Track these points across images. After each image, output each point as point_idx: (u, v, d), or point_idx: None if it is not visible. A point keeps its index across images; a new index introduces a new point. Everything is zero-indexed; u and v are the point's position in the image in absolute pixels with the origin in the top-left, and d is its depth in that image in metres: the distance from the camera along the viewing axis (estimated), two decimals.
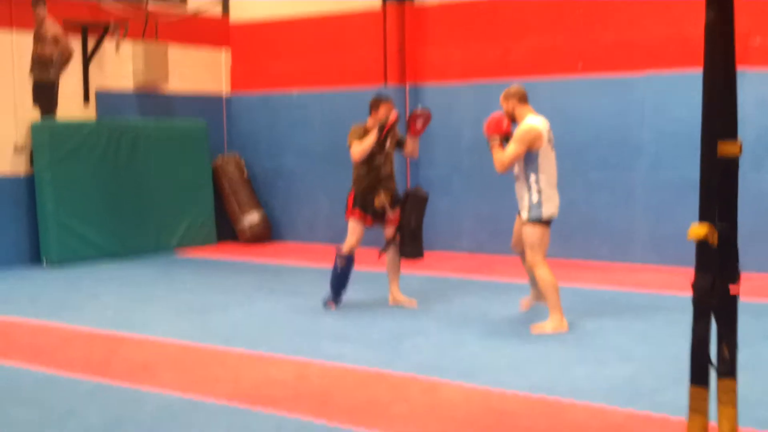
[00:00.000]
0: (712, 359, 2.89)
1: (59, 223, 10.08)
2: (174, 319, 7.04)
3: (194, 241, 11.49)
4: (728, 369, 2.96)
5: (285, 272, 9.52)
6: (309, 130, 11.81)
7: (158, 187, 11.15)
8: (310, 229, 11.81)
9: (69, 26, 10.47)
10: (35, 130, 10.13)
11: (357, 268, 8.21)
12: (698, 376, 2.91)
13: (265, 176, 12.21)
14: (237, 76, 12.44)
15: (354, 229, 7.30)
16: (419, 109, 7.38)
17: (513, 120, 6.48)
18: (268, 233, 11.97)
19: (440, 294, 8.02)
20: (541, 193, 6.34)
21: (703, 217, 2.87)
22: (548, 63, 9.87)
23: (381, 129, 7.12)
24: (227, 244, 11.82)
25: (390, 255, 7.42)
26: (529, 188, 6.36)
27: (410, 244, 7.29)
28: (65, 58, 10.23)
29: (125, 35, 10.91)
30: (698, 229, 2.83)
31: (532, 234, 6.39)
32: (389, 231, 7.37)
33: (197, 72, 12.13)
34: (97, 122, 10.68)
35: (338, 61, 11.45)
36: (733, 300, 2.94)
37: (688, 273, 3.01)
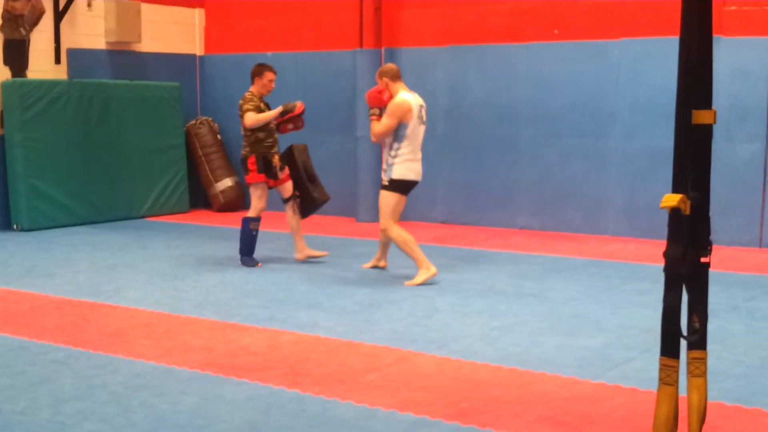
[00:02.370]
0: (682, 330, 2.90)
1: (29, 186, 9.96)
2: (146, 286, 7.00)
3: (167, 207, 11.40)
4: (699, 340, 2.97)
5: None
6: (284, 93, 11.66)
7: (130, 150, 11.02)
8: None
9: None
10: (5, 89, 9.96)
11: (325, 234, 8.19)
12: (668, 347, 2.92)
13: (238, 140, 12.04)
14: (211, 37, 12.28)
15: (262, 193, 7.73)
16: (294, 108, 7.70)
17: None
18: (241, 200, 11.88)
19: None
20: (397, 159, 6.91)
21: (676, 186, 2.86)
22: (524, 28, 9.82)
23: (284, 113, 7.60)
24: (200, 211, 11.74)
25: (290, 212, 7.89)
26: (390, 155, 6.94)
27: (315, 189, 7.88)
28: (36, 16, 10.05)
29: None
30: (671, 199, 2.82)
31: (386, 199, 6.97)
32: (287, 188, 7.85)
33: (170, 32, 11.97)
34: (69, 82, 10.50)
35: (314, 23, 11.33)
36: (704, 270, 2.95)
37: (661, 245, 3.02)
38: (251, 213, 7.76)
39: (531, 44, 9.77)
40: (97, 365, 4.82)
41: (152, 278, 7.28)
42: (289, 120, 7.69)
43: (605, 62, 9.40)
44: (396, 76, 7.07)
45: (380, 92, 6.99)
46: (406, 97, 6.95)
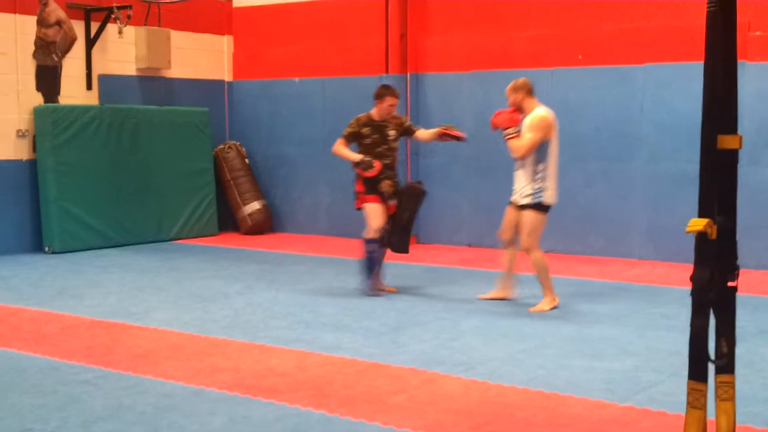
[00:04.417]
0: (710, 354, 2.90)
1: (61, 209, 10.11)
2: (175, 307, 7.07)
3: (195, 230, 11.51)
4: (726, 364, 2.98)
5: (286, 262, 9.54)
6: (310, 118, 11.82)
7: (160, 174, 11.16)
8: (311, 220, 11.83)
9: (72, 10, 10.49)
10: (38, 115, 10.14)
11: (351, 257, 8.20)
12: (696, 371, 2.92)
13: (266, 164, 12.22)
14: (239, 63, 12.44)
15: (374, 210, 7.27)
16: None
17: (521, 111, 6.80)
18: (269, 223, 11.98)
19: (440, 285, 8.05)
20: (544, 181, 6.68)
21: (702, 210, 2.88)
22: (549, 53, 9.87)
23: (360, 166, 7.23)
24: (228, 234, 11.84)
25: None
26: (534, 175, 6.68)
27: (399, 237, 7.40)
28: (69, 42, 10.25)
29: (128, 20, 10.90)
30: (697, 223, 2.84)
31: (533, 219, 6.72)
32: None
33: (200, 58, 12.14)
34: (100, 107, 10.67)
35: (340, 48, 11.44)
36: (731, 294, 2.95)
37: (686, 268, 3.02)
38: (369, 233, 7.30)
39: (555, 69, 9.81)
40: (127, 386, 4.87)
41: (181, 300, 7.36)
42: (442, 134, 7.33)
43: (629, 87, 9.42)
44: (531, 91, 6.81)
45: (513, 112, 6.76)
46: (547, 112, 6.74)
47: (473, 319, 6.56)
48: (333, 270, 8.90)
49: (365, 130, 7.30)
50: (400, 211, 7.34)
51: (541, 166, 6.68)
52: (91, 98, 10.88)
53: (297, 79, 11.88)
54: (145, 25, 11.24)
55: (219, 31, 12.33)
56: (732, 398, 2.97)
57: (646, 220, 9.38)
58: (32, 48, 10.12)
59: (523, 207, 6.79)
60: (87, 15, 10.72)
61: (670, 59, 9.08)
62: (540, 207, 6.73)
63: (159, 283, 8.22)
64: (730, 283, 2.93)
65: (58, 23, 9.99)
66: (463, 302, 7.17)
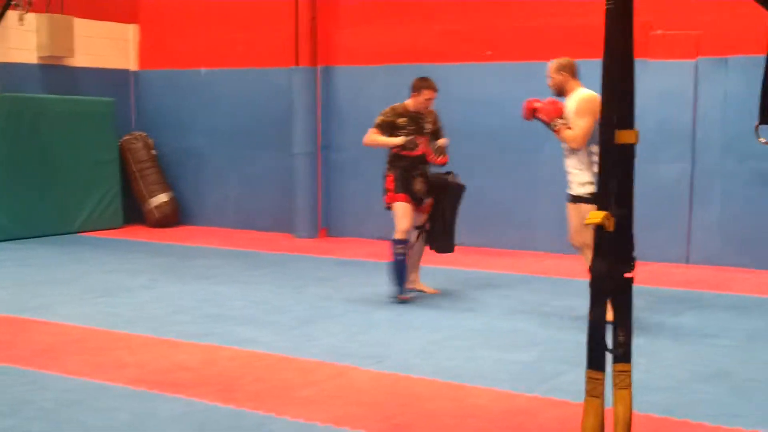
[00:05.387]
0: (608, 344, 2.99)
1: None
2: (78, 302, 6.90)
3: (99, 223, 11.23)
4: (623, 353, 3.06)
5: (193, 255, 9.41)
6: (218, 110, 11.67)
7: (62, 166, 10.85)
8: (219, 213, 11.69)
9: None
10: None
11: (263, 251, 8.12)
12: (594, 360, 3.00)
13: (173, 156, 12.01)
14: (145, 52, 12.19)
15: (404, 211, 6.85)
16: (414, 149, 6.86)
17: (561, 94, 6.27)
18: (176, 216, 11.78)
19: (349, 278, 8.06)
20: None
21: (600, 203, 2.96)
22: (458, 48, 9.98)
23: (406, 147, 6.78)
24: (134, 227, 11.60)
25: (414, 240, 7.07)
26: (592, 163, 6.03)
27: (443, 237, 7.00)
28: None
29: (29, 6, 10.54)
30: (595, 215, 2.91)
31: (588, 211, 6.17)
32: (421, 218, 7.04)
33: (104, 47, 11.85)
34: None
35: (249, 39, 11.32)
36: (628, 285, 3.04)
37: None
38: (397, 234, 6.86)
39: (464, 65, 9.92)
40: (28, 382, 4.74)
41: (84, 294, 7.18)
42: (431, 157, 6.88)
43: (534, 83, 9.59)
44: (575, 72, 6.23)
45: (555, 102, 6.18)
46: (590, 92, 6.06)
47: (384, 312, 6.60)
48: (241, 263, 8.82)
49: (401, 121, 6.88)
50: (441, 209, 6.95)
51: (596, 150, 5.83)
52: None
53: (203, 70, 11.71)
54: (47, 11, 10.91)
55: (124, 19, 12.05)
56: (629, 386, 3.05)
57: (553, 213, 9.57)
58: None
59: (579, 198, 6.12)
60: None
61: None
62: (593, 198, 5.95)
63: (61, 276, 8.00)
64: (627, 274, 3.01)
65: None
66: (374, 295, 7.19)
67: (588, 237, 5.92)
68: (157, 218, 11.58)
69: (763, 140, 3.22)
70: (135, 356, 5.31)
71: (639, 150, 2.97)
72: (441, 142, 6.94)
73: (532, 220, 9.69)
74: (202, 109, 11.75)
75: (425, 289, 7.24)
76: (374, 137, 6.94)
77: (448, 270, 8.45)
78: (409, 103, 6.99)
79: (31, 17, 10.76)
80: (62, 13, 11.12)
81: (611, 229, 2.92)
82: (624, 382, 3.05)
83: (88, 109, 11.20)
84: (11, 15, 10.52)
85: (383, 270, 8.42)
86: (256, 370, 5.03)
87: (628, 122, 2.95)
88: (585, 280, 3.02)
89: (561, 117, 6.14)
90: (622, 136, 2.94)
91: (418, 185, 6.89)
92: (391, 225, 10.38)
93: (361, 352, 5.43)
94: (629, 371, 3.06)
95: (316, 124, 10.81)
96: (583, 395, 2.98)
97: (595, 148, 5.87)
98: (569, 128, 6.09)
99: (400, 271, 6.87)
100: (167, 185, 11.78)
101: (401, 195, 6.87)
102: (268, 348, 5.50)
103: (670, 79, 8.84)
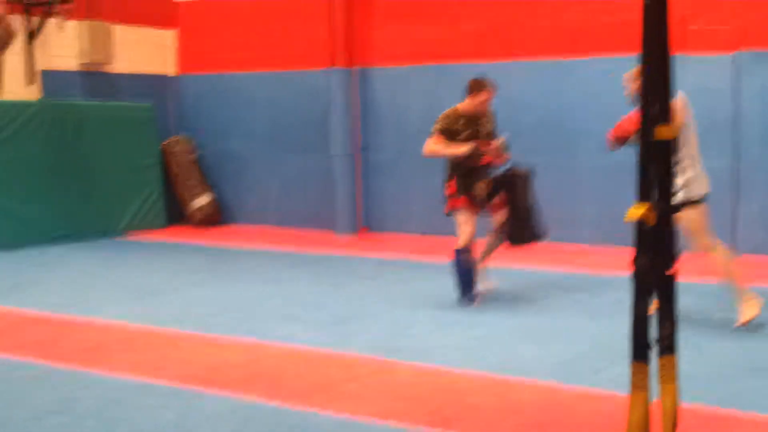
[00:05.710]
0: (653, 336, 2.98)
1: (2, 206, 9.91)
2: (123, 302, 7.00)
3: (143, 225, 11.38)
4: (668, 346, 3.05)
5: (235, 255, 9.51)
6: (256, 112, 11.77)
7: (104, 170, 11.01)
8: (260, 212, 11.79)
9: (11, 5, 10.27)
10: None
11: (308, 249, 8.15)
12: (638, 353, 3.00)
13: (213, 158, 12.13)
14: (184, 57, 12.33)
15: (467, 219, 6.62)
16: (480, 158, 6.65)
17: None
18: (217, 216, 11.91)
19: (390, 275, 8.09)
20: (689, 171, 5.83)
21: (640, 198, 2.96)
22: (494, 46, 9.95)
23: (473, 157, 6.54)
24: (177, 228, 11.73)
25: (490, 238, 6.89)
26: (683, 168, 5.80)
27: (526, 228, 6.73)
28: (8, 37, 10.04)
29: (69, 14, 10.72)
30: (636, 210, 2.92)
31: (692, 217, 5.82)
32: (497, 219, 6.79)
33: (144, 52, 12.00)
34: (42, 102, 10.49)
35: (285, 42, 11.40)
36: (672, 279, 3.03)
37: (621, 252, 3.11)
38: (459, 243, 6.62)
39: (501, 62, 9.90)
40: (75, 381, 4.82)
41: (130, 294, 7.28)
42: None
43: (573, 80, 9.55)
44: None
45: (630, 117, 5.95)
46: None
47: (424, 308, 6.61)
48: (283, 262, 8.89)
49: (459, 125, 6.63)
50: (516, 201, 6.68)
51: (686, 153, 5.78)
52: (33, 94, 10.68)
53: (242, 73, 11.81)
54: (86, 19, 11.07)
55: (163, 24, 12.19)
56: (675, 379, 3.05)
57: (595, 209, 9.52)
58: None
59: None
60: (26, 9, 10.53)
61: (612, 52, 9.22)
62: (693, 201, 5.82)
63: (106, 277, 8.12)
64: (670, 268, 3.01)
65: None
66: (414, 292, 7.21)
67: (696, 243, 5.82)
68: (200, 219, 11.72)
69: None
70: (180, 354, 5.38)
71: None
72: (497, 142, 6.70)
73: (571, 216, 9.64)
74: (240, 112, 11.86)
75: (487, 288, 6.97)
76: (436, 147, 6.63)
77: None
78: (465, 105, 6.70)
79: (71, 25, 10.94)
80: (101, 20, 11.28)
81: (653, 223, 2.92)
82: (670, 375, 3.04)
83: (128, 115, 11.36)
84: (52, 22, 10.72)
85: (424, 267, 8.46)
86: (299, 367, 5.07)
87: (666, 118, 2.95)
88: (626, 274, 3.02)
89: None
90: (661, 132, 2.94)
91: (480, 189, 6.65)
92: (432, 222, 10.45)
93: (402, 347, 5.45)
94: (675, 363, 3.05)
95: (354, 125, 10.85)
96: (627, 388, 2.97)
97: (686, 152, 5.76)
98: None
99: (467, 280, 6.64)
100: (209, 187, 11.91)
101: (462, 199, 6.62)
102: (311, 344, 5.55)
103: (709, 74, 8.75)
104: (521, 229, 6.73)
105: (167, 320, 6.30)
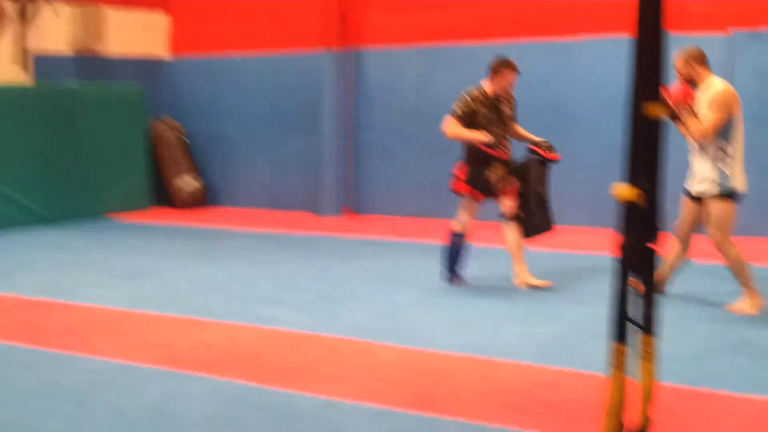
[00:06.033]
0: (632, 316, 2.97)
1: None
2: (107, 284, 6.96)
3: (129, 207, 11.33)
4: (648, 325, 3.04)
5: (220, 237, 9.47)
6: (248, 95, 11.70)
7: (93, 152, 10.94)
8: (247, 195, 11.74)
9: None
10: None
11: (288, 232, 8.10)
12: (618, 332, 2.99)
13: (204, 142, 12.07)
14: (176, 40, 12.24)
15: (468, 207, 6.61)
16: (545, 151, 6.61)
17: (691, 84, 5.79)
18: (204, 198, 11.86)
19: (376, 257, 8.07)
20: (731, 165, 5.72)
21: (628, 178, 2.93)
22: (489, 27, 9.89)
23: (489, 146, 6.44)
24: (163, 210, 11.68)
25: (508, 233, 6.67)
26: (720, 159, 5.71)
27: (540, 216, 6.64)
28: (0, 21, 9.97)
29: None
30: (624, 190, 2.89)
31: (721, 210, 5.74)
32: (506, 204, 6.62)
33: (136, 36, 11.91)
34: (34, 86, 10.43)
35: (279, 24, 11.33)
36: (654, 259, 3.02)
37: (611, 234, 3.09)
38: (456, 226, 6.66)
39: (496, 44, 9.84)
40: (58, 364, 4.80)
41: (113, 276, 7.25)
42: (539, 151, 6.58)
43: (571, 60, 9.51)
44: (705, 61, 5.80)
45: (686, 89, 5.69)
46: (727, 85, 5.74)
47: (409, 289, 6.59)
48: (268, 244, 8.86)
49: (480, 108, 6.50)
50: (531, 187, 6.58)
51: (726, 147, 5.69)
52: (25, 77, 10.60)
53: (235, 56, 11.74)
54: (79, 2, 10.98)
55: (155, 7, 12.09)
56: (653, 358, 3.04)
57: (587, 191, 9.51)
58: None
59: (702, 195, 5.81)
60: None
61: (607, 32, 9.18)
62: (727, 195, 5.72)
63: (91, 259, 8.08)
64: (652, 247, 2.99)
65: None
66: (399, 273, 7.19)
67: (715, 235, 5.78)
68: (187, 201, 11.67)
69: None
70: (163, 337, 5.35)
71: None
72: (545, 142, 6.65)
73: (563, 198, 9.62)
74: (232, 94, 11.80)
75: (537, 283, 6.64)
76: (458, 130, 6.47)
77: (474, 248, 8.44)
78: (487, 85, 6.56)
79: (64, 8, 10.84)
80: (94, 3, 11.19)
81: (640, 203, 2.90)
82: (648, 354, 3.03)
83: (118, 96, 11.28)
84: (44, 6, 10.62)
85: (410, 249, 8.44)
86: (282, 348, 5.05)
87: (656, 95, 2.92)
88: (608, 254, 3.00)
89: (690, 105, 5.67)
90: (651, 109, 2.90)
91: (494, 172, 6.51)
92: (424, 206, 10.43)
93: (385, 329, 5.44)
94: (653, 342, 3.04)
95: (346, 107, 10.80)
96: (607, 368, 2.96)
97: (727, 147, 5.67)
98: (696, 119, 5.64)
99: (453, 259, 6.71)
100: (196, 170, 11.86)
101: (467, 188, 6.55)
102: (294, 326, 5.53)
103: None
104: (532, 218, 6.64)
105: (150, 302, 6.27)
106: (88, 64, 11.30)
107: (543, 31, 9.60)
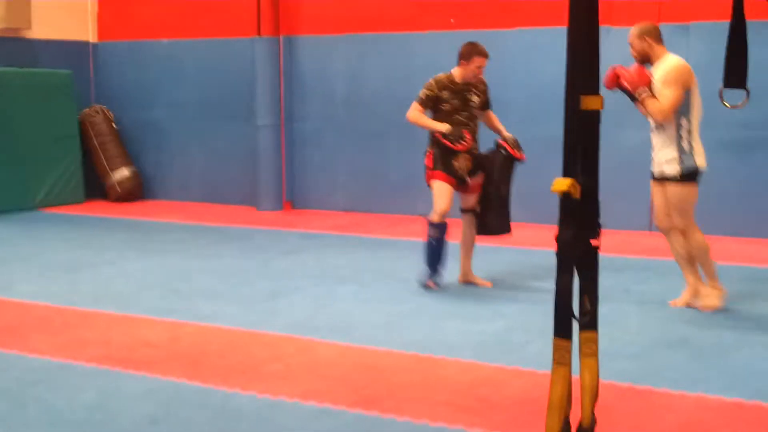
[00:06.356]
0: (574, 312, 2.98)
1: None
2: (39, 279, 6.80)
3: (60, 198, 11.05)
4: (590, 321, 3.06)
5: (157, 230, 9.32)
6: (180, 81, 11.51)
7: (21, 140, 10.64)
8: (183, 187, 11.56)
9: None
10: None
11: (227, 225, 8.01)
12: (561, 328, 3.00)
13: (135, 129, 11.84)
14: (104, 24, 11.97)
15: (441, 190, 6.24)
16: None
17: (646, 62, 5.71)
18: (139, 190, 11.64)
19: (315, 251, 8.03)
20: (692, 141, 5.56)
21: (566, 171, 2.94)
22: (422, 17, 9.90)
23: (447, 138, 6.18)
24: (96, 202, 11.44)
25: (465, 226, 6.49)
26: (680, 137, 5.56)
27: (498, 216, 6.39)
28: None
29: None
30: (561, 183, 2.89)
31: (683, 194, 5.59)
32: (470, 199, 6.47)
33: (63, 18, 11.61)
34: None
35: (211, 9, 11.16)
36: (594, 253, 3.03)
37: (555, 229, 3.11)
38: (433, 216, 6.28)
39: (428, 33, 9.87)
40: None
41: (46, 271, 7.08)
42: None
43: (501, 51, 9.55)
44: (660, 37, 5.68)
45: (642, 70, 5.56)
46: (681, 60, 5.62)
47: (348, 285, 6.57)
48: (206, 238, 8.75)
49: (444, 94, 6.27)
50: (493, 185, 6.35)
51: (685, 123, 5.54)
52: None
53: (165, 41, 11.54)
54: None
55: None
56: (595, 354, 3.06)
57: (517, 183, 9.56)
58: None
59: (666, 178, 5.64)
60: None
61: (541, 23, 9.26)
62: (690, 175, 5.56)
63: (22, 254, 7.88)
64: (593, 242, 3.01)
65: None
66: (339, 268, 7.17)
67: (678, 221, 5.67)
68: (120, 193, 11.44)
69: (728, 104, 3.22)
70: (99, 334, 5.25)
71: (604, 117, 2.95)
72: (511, 137, 6.43)
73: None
74: (163, 81, 11.59)
75: (478, 282, 6.54)
76: (419, 116, 6.30)
77: (411, 242, 8.45)
78: (456, 72, 6.34)
79: None
80: None
81: (577, 196, 2.91)
82: (590, 350, 3.05)
83: (46, 82, 10.98)
84: None
85: (349, 243, 8.41)
86: (221, 346, 4.99)
87: (593, 88, 2.93)
88: (549, 249, 3.01)
89: (647, 86, 5.54)
90: (588, 102, 2.92)
91: (460, 162, 6.28)
92: (357, 197, 10.41)
93: (326, 325, 5.41)
94: (596, 339, 3.06)
95: (279, 95, 10.71)
96: (548, 365, 2.97)
97: (685, 122, 5.56)
98: (655, 99, 5.52)
99: (433, 255, 6.31)
100: (129, 159, 11.62)
101: (439, 173, 6.27)
102: (234, 323, 5.46)
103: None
104: (497, 216, 6.42)
105: (85, 298, 6.13)
106: (14, 46, 10.99)
107: (476, 22, 9.64)
